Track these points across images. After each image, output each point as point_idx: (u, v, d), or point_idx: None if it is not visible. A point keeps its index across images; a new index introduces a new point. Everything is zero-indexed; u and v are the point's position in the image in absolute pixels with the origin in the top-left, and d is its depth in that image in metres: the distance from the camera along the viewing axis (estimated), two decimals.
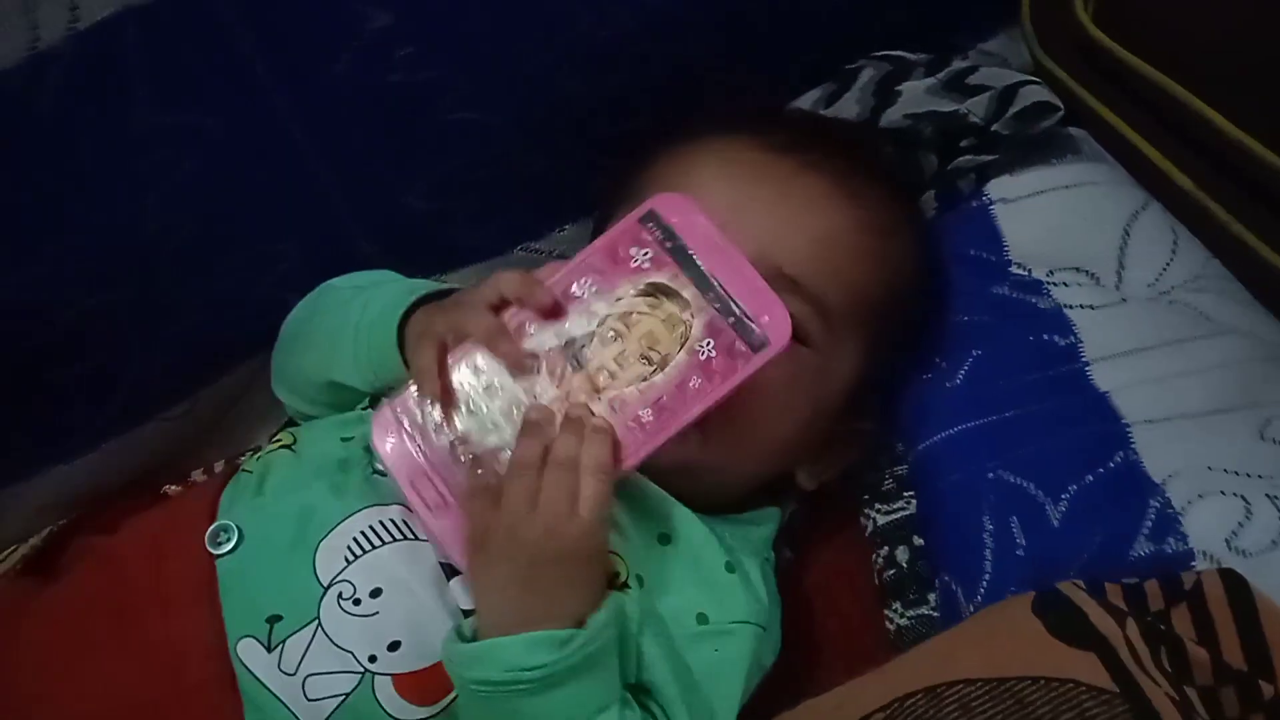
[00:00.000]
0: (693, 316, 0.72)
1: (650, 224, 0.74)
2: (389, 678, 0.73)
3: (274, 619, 0.74)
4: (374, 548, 0.75)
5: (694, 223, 0.73)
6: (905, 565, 0.84)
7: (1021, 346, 0.85)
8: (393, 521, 0.76)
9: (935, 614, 0.82)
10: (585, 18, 0.85)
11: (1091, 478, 0.78)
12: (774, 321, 0.72)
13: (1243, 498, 0.75)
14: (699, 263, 0.73)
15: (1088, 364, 0.83)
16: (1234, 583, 0.70)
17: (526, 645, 0.68)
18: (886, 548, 0.86)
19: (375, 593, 0.74)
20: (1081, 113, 0.93)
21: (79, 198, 0.80)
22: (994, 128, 0.90)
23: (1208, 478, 0.77)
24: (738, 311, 0.72)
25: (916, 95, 0.91)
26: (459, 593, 0.74)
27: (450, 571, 0.74)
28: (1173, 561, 0.74)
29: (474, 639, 0.70)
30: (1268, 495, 0.75)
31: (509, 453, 0.71)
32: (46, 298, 0.81)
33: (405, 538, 0.75)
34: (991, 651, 0.68)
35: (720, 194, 0.79)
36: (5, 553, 0.84)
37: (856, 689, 0.70)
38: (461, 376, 0.73)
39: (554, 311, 0.73)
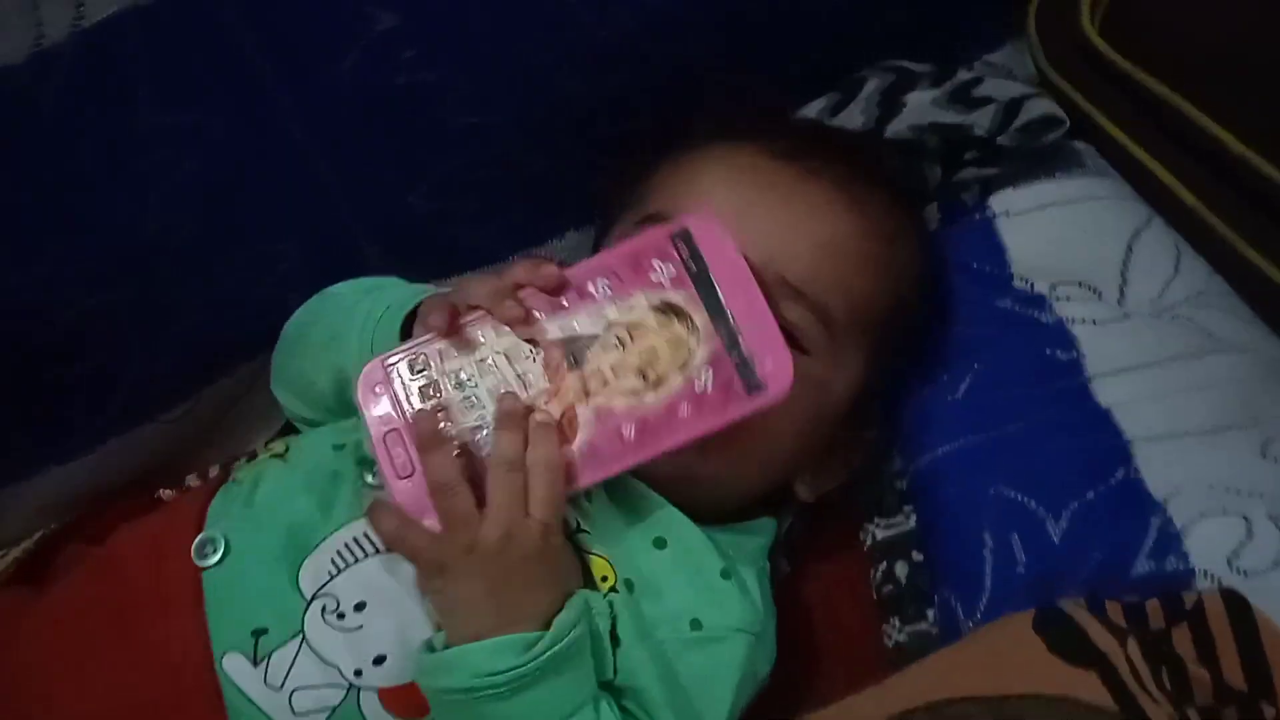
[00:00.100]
0: (698, 344, 0.72)
1: (680, 241, 0.73)
2: (374, 691, 0.73)
3: (259, 632, 0.73)
4: (358, 560, 0.75)
5: (723, 252, 0.73)
6: (904, 580, 0.84)
7: (1024, 360, 0.85)
8: None
9: (934, 630, 0.81)
10: (586, 19, 0.85)
11: (1093, 494, 0.78)
12: (776, 370, 0.72)
13: (1244, 517, 0.75)
14: (718, 293, 0.72)
15: (1090, 379, 0.83)
16: (1235, 603, 0.70)
17: (492, 650, 0.68)
18: (885, 562, 0.85)
19: (359, 606, 0.74)
20: (1086, 126, 0.92)
21: (80, 197, 0.79)
22: (998, 140, 0.89)
23: (1209, 496, 0.76)
24: (743, 351, 0.71)
25: (921, 106, 0.90)
26: None
27: None
28: (1174, 580, 0.74)
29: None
30: (1269, 515, 0.75)
31: (486, 432, 0.71)
32: (47, 297, 0.81)
33: (390, 549, 0.75)
34: (992, 669, 0.68)
35: (724, 200, 0.79)
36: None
37: (856, 704, 0.70)
38: (457, 346, 0.72)
39: (561, 304, 0.72)
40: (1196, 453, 0.79)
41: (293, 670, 0.72)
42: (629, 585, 0.75)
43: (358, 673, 0.73)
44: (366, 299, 0.81)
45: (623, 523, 0.76)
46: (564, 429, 0.72)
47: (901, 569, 0.84)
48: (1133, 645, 0.67)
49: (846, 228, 0.81)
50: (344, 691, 0.73)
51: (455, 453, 0.70)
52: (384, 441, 0.71)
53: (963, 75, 0.92)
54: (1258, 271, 0.84)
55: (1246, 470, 0.78)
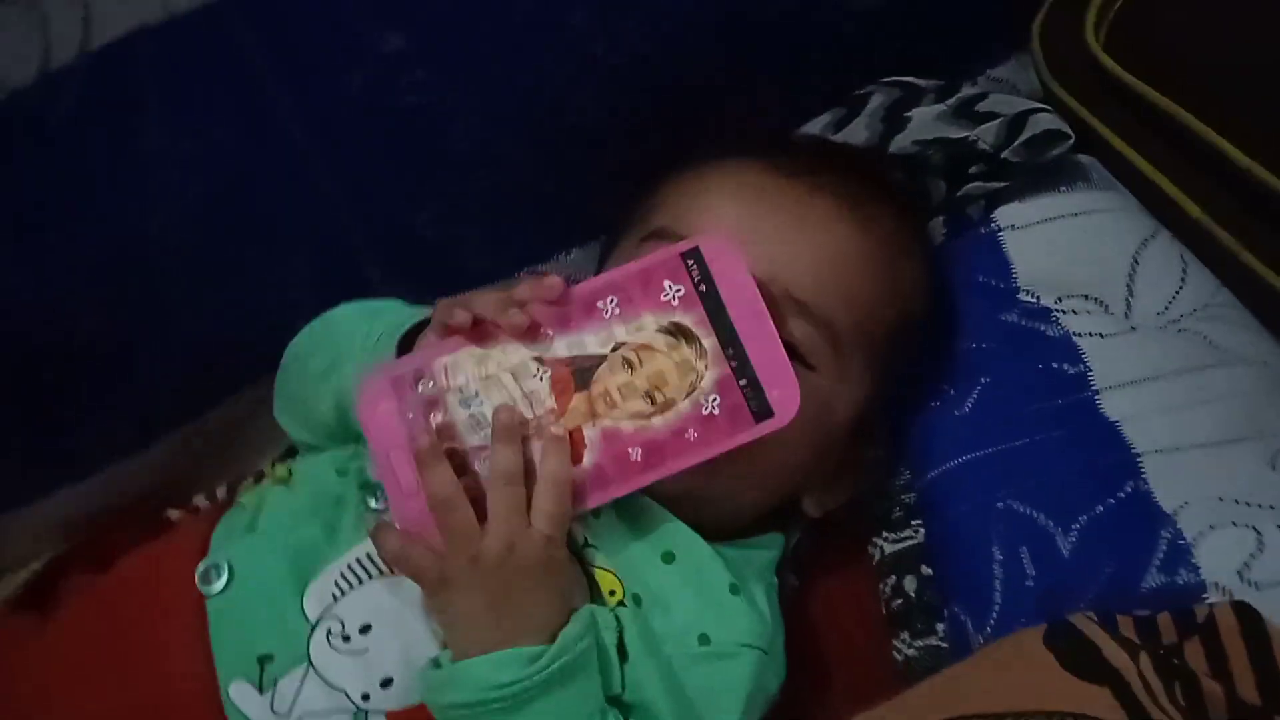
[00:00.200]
0: (706, 368, 0.72)
1: (691, 262, 0.73)
2: (382, 715, 0.73)
3: (265, 659, 0.73)
4: (361, 582, 0.75)
5: (734, 273, 0.73)
6: (913, 595, 0.84)
7: (1030, 375, 0.84)
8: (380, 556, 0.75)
9: (944, 645, 0.81)
10: (596, 42, 0.85)
11: (1102, 508, 0.78)
12: (783, 396, 0.72)
13: (1254, 529, 0.75)
14: (728, 316, 0.72)
15: (1097, 393, 0.83)
16: (1247, 616, 0.70)
17: (496, 664, 0.68)
18: (894, 577, 0.85)
19: (365, 629, 0.74)
20: (1091, 139, 0.92)
21: (89, 218, 0.79)
22: (1003, 155, 0.89)
23: (1219, 508, 0.76)
24: (751, 376, 0.71)
25: (926, 122, 0.91)
26: None
27: None
28: (1184, 593, 0.74)
29: None
30: (1279, 526, 0.75)
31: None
32: (55, 319, 0.81)
33: (392, 570, 0.74)
34: (1003, 684, 0.68)
35: (730, 216, 0.78)
36: (6, 579, 0.83)
37: None
38: (464, 361, 0.71)
39: (569, 321, 0.72)
40: (1205, 465, 0.78)
41: (300, 696, 0.72)
42: (636, 600, 0.75)
43: (365, 696, 0.73)
44: (365, 323, 0.81)
45: (631, 537, 0.76)
46: (571, 450, 0.71)
47: (910, 583, 0.84)
48: (1145, 660, 0.67)
49: (852, 244, 0.81)
50: (351, 716, 0.72)
51: (461, 471, 0.70)
52: (387, 458, 0.70)
53: (967, 90, 0.92)
54: (1264, 283, 0.84)
55: (1256, 482, 0.77)
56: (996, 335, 0.87)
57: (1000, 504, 0.80)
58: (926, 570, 0.84)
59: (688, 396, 0.71)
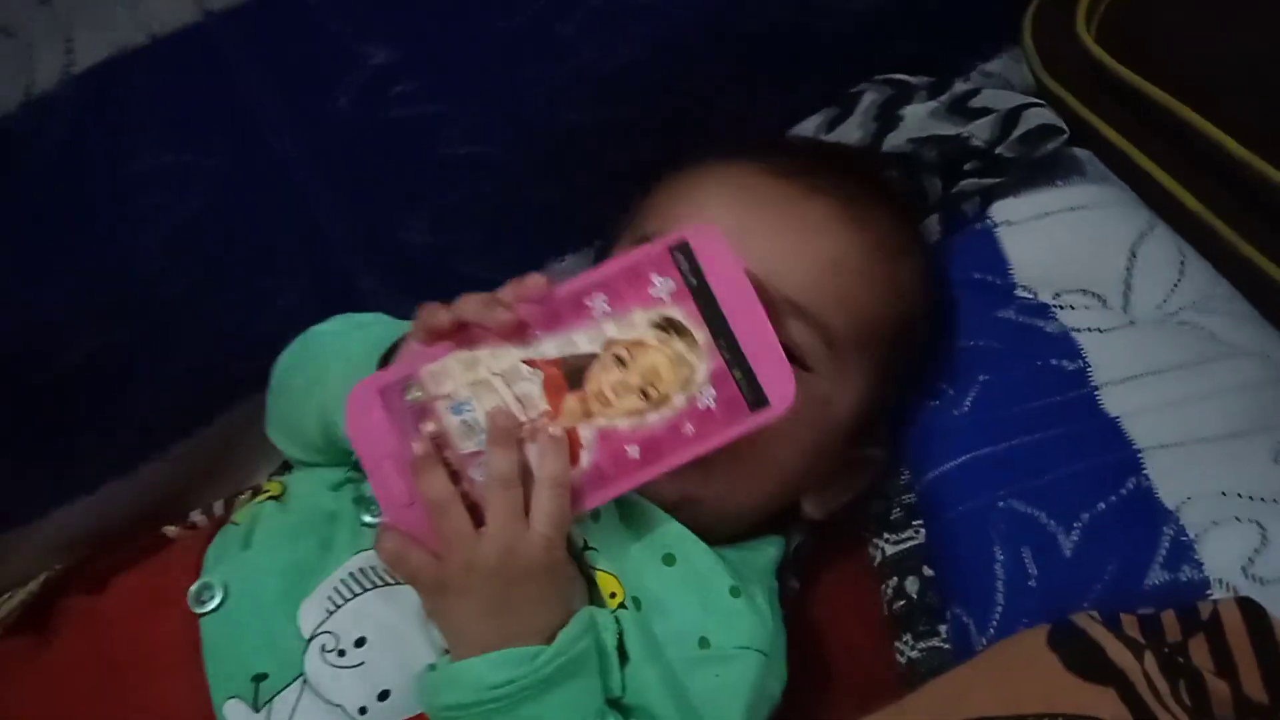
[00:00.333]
0: (700, 361, 0.71)
1: (679, 254, 0.72)
2: None
3: (259, 678, 0.72)
4: (355, 595, 0.74)
5: (723, 264, 0.72)
6: (915, 596, 0.83)
7: (1029, 372, 0.84)
8: (373, 568, 0.75)
9: (946, 646, 0.80)
10: (585, 49, 0.85)
11: (1104, 505, 0.77)
12: (779, 386, 0.71)
13: (1258, 524, 0.75)
14: (720, 308, 0.71)
15: (1097, 388, 0.82)
16: (1252, 612, 0.69)
17: (492, 663, 0.68)
18: (895, 578, 0.84)
19: (360, 642, 0.73)
20: (1086, 133, 0.92)
21: (78, 239, 0.79)
22: (998, 151, 0.89)
23: (1222, 504, 0.76)
24: (746, 367, 0.71)
25: (919, 119, 0.90)
26: None
27: None
28: (1188, 590, 0.73)
29: None
30: None
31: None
32: (47, 339, 0.81)
33: (386, 582, 0.74)
34: (1007, 687, 0.67)
35: (724, 218, 0.78)
36: (2, 599, 0.83)
37: None
38: (452, 367, 0.70)
39: (558, 320, 0.71)
40: (1207, 460, 0.78)
41: (296, 714, 0.71)
42: (637, 602, 0.74)
43: (363, 710, 0.72)
44: (349, 338, 0.81)
45: (631, 540, 0.76)
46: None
47: (912, 585, 0.84)
48: (1150, 660, 0.66)
49: (848, 245, 0.81)
50: None
51: (455, 478, 0.69)
52: (379, 468, 0.69)
53: (960, 87, 0.92)
54: (1263, 275, 0.84)
55: (1259, 476, 0.77)
56: (994, 333, 0.86)
57: (1001, 503, 0.79)
58: (928, 571, 0.83)
59: (682, 391, 0.71)
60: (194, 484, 0.92)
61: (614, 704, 0.72)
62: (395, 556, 0.70)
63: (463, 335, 0.71)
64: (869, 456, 0.85)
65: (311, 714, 0.72)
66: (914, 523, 0.85)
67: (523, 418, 0.70)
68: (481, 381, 0.70)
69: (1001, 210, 0.90)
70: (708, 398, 0.71)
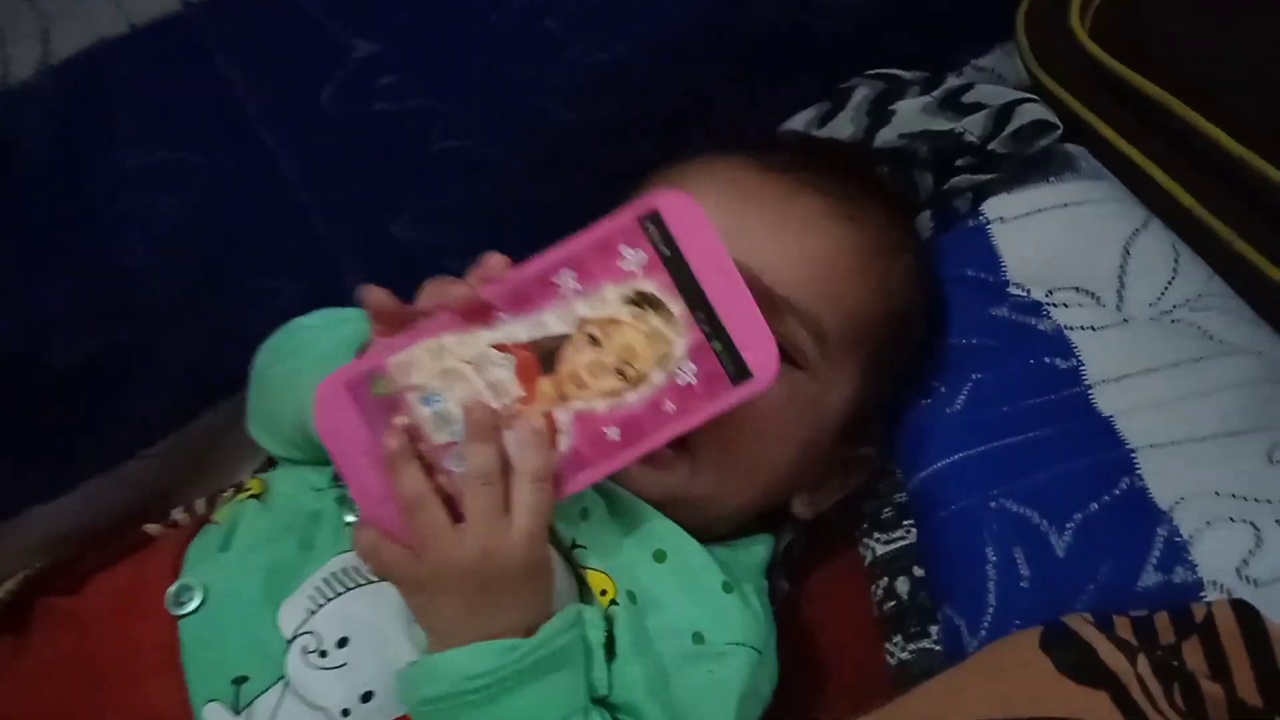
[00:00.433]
0: (677, 335, 0.68)
1: (650, 224, 0.69)
2: None
3: (240, 680, 0.71)
4: (337, 595, 0.73)
5: (697, 232, 0.68)
6: (906, 597, 0.82)
7: (1022, 370, 0.83)
8: (355, 569, 0.74)
9: (937, 648, 0.80)
10: (576, 45, 0.84)
11: (1096, 505, 0.77)
12: (761, 357, 0.68)
13: (1252, 524, 0.74)
14: (695, 278, 0.68)
15: (1090, 387, 0.82)
16: (1246, 614, 0.69)
17: (472, 654, 0.66)
18: (886, 578, 0.84)
19: (342, 642, 0.72)
20: (1079, 129, 0.91)
21: (63, 237, 0.78)
22: (991, 146, 0.88)
23: (1216, 504, 0.75)
24: (725, 339, 0.68)
25: (911, 114, 0.90)
26: None
27: None
28: (1182, 592, 0.73)
29: None
30: (1278, 521, 0.74)
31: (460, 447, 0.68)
32: (31, 340, 0.80)
33: (370, 581, 0.73)
34: (999, 690, 0.67)
35: (714, 214, 0.76)
36: None
37: None
38: (420, 357, 0.68)
39: (526, 301, 0.68)
40: (1201, 459, 0.78)
41: (277, 717, 0.70)
42: (632, 597, 0.74)
43: (345, 712, 0.71)
44: (327, 331, 0.79)
45: (620, 537, 0.75)
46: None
47: (903, 585, 0.83)
48: (1143, 663, 0.66)
49: (839, 241, 0.80)
50: None
51: (431, 471, 0.67)
52: (352, 466, 0.68)
53: (952, 82, 0.91)
54: (1258, 272, 0.83)
55: (1253, 476, 0.77)
56: (987, 330, 0.86)
57: (993, 503, 0.79)
58: (919, 571, 0.83)
59: (660, 368, 0.68)
60: (176, 481, 0.91)
61: (600, 702, 0.71)
62: (371, 552, 0.68)
63: (429, 323, 0.69)
64: (861, 456, 0.85)
65: (293, 717, 0.71)
66: (905, 522, 0.85)
67: (496, 405, 0.68)
68: (451, 370, 0.68)
69: (994, 207, 0.90)
70: (688, 373, 0.68)
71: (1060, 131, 0.89)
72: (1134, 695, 0.64)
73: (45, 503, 0.86)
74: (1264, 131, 0.79)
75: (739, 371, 0.68)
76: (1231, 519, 0.74)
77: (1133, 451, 0.78)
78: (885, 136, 0.90)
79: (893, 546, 0.84)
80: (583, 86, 0.86)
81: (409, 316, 0.70)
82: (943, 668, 0.75)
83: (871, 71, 0.93)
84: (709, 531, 0.78)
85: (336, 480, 0.78)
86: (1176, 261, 0.86)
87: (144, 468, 0.88)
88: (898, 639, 0.82)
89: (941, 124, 0.89)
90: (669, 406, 0.68)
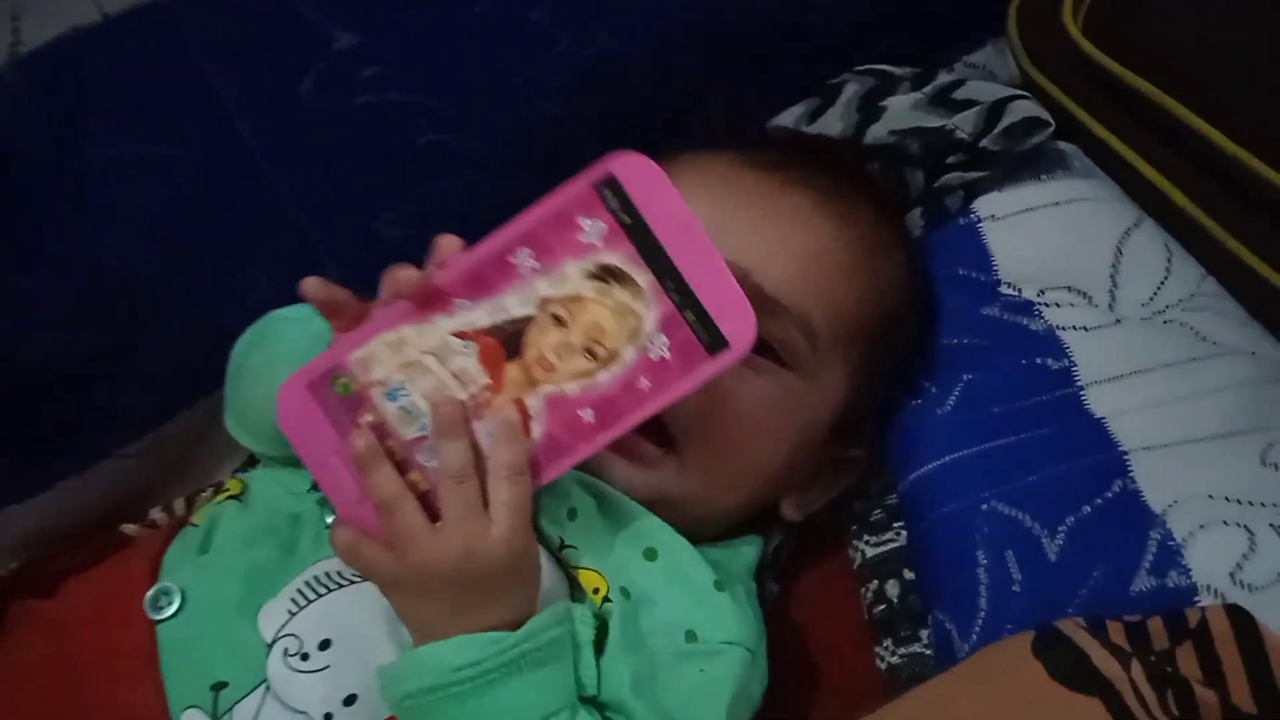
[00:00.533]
0: (646, 308, 0.65)
1: (607, 191, 0.64)
2: None
3: (219, 686, 0.70)
4: (319, 596, 0.72)
5: (659, 196, 0.63)
6: (896, 600, 0.82)
7: (1014, 371, 0.83)
8: (339, 571, 0.73)
9: (928, 652, 0.79)
10: (563, 38, 0.84)
11: (1089, 508, 0.76)
12: (737, 325, 0.63)
13: (1246, 528, 0.73)
14: (661, 245, 0.64)
15: (1083, 388, 0.81)
16: (1241, 619, 0.68)
17: (458, 646, 0.65)
18: (876, 581, 0.83)
19: (324, 644, 0.71)
20: (1071, 126, 0.91)
21: (34, 231, 0.77)
22: (982, 144, 0.88)
23: (1209, 507, 0.75)
24: (698, 307, 0.64)
25: (902, 111, 0.89)
26: None
27: None
28: (1175, 596, 0.72)
29: None
30: (1271, 525, 0.73)
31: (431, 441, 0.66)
32: (7, 337, 0.79)
33: (352, 582, 0.72)
34: (991, 696, 0.66)
35: (702, 211, 0.74)
36: None
37: None
38: (380, 351, 0.65)
39: (484, 284, 0.65)
40: (1195, 462, 0.77)
41: None
42: (625, 593, 0.73)
43: (328, 716, 0.70)
44: (300, 325, 0.77)
45: (610, 536, 0.74)
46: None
47: (893, 588, 0.82)
48: (1137, 669, 0.65)
49: (829, 239, 0.80)
50: None
51: (405, 467, 0.66)
52: (323, 468, 0.66)
53: (943, 78, 0.91)
54: (1251, 272, 0.82)
55: (1247, 478, 0.76)
56: (978, 330, 0.85)
57: (984, 505, 0.78)
58: (909, 574, 0.82)
59: (631, 344, 0.65)
60: (154, 481, 0.90)
61: (590, 701, 0.70)
62: (350, 552, 0.67)
63: (386, 314, 0.66)
64: (850, 457, 0.84)
65: None
66: (895, 524, 0.84)
67: (463, 395, 0.66)
68: (413, 363, 0.66)
69: (985, 205, 0.89)
70: (660, 347, 0.64)
71: (1052, 129, 0.88)
72: (1128, 702, 0.63)
73: (19, 502, 0.84)
74: (1258, 130, 0.78)
75: (714, 341, 0.64)
76: (1225, 522, 0.74)
77: (1125, 454, 0.78)
78: (876, 133, 0.89)
79: (883, 549, 0.84)
80: (570, 80, 0.86)
81: (360, 310, 0.67)
82: (934, 672, 0.74)
83: (862, 67, 0.92)
84: (698, 532, 0.77)
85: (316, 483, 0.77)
86: (1169, 261, 0.86)
87: (121, 467, 0.87)
88: (888, 643, 0.81)
89: (933, 120, 0.88)
90: (644, 384, 0.65)
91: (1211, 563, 0.73)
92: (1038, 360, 0.82)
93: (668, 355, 0.64)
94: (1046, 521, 0.76)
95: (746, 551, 0.81)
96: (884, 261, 0.82)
